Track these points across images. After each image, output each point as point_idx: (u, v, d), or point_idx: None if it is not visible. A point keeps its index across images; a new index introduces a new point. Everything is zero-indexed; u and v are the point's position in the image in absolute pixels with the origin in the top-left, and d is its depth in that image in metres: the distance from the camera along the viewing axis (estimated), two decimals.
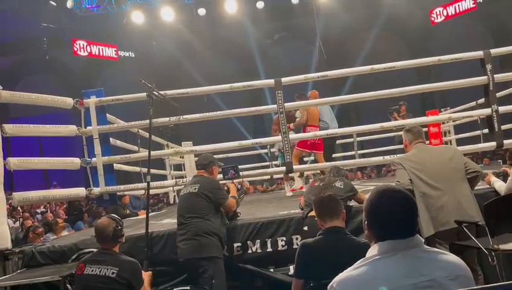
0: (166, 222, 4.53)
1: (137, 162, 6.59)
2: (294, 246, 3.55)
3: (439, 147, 3.35)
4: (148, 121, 4.09)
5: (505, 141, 4.52)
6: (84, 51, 14.33)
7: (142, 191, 7.14)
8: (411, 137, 3.24)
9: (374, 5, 14.48)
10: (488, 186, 3.53)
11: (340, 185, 3.60)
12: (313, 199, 2.73)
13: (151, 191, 6.63)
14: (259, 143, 4.93)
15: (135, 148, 6.33)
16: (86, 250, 3.62)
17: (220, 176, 3.97)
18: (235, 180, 3.94)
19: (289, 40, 15.43)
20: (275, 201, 5.61)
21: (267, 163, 8.96)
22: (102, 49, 14.76)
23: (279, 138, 4.77)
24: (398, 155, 3.30)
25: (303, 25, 14.95)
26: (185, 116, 4.53)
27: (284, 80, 4.49)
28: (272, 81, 4.51)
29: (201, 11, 14.43)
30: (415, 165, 3.00)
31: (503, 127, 4.67)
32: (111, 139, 5.04)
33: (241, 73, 14.96)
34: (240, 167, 3.99)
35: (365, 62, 12.49)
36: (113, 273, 2.84)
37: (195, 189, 3.45)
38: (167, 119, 4.48)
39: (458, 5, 14.24)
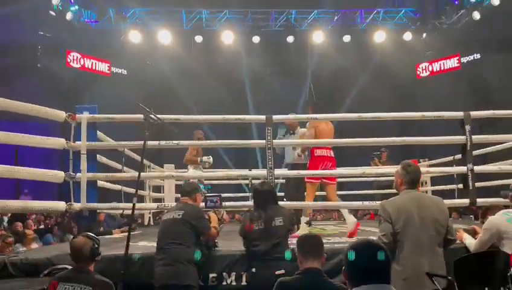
0: (143, 245, 4.50)
1: (118, 181, 6.58)
2: None
3: (429, 199, 3.12)
4: (138, 142, 4.17)
5: (478, 199, 4.74)
6: (77, 63, 14.36)
7: (120, 211, 7.08)
8: (408, 179, 3.05)
9: (365, 52, 15.09)
10: (460, 242, 3.67)
11: (280, 222, 3.52)
12: (298, 239, 2.81)
13: (129, 212, 6.59)
14: (245, 176, 5.01)
15: (118, 166, 6.33)
16: (60, 266, 3.57)
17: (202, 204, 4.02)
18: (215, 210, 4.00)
19: (281, 76, 15.83)
20: None
21: (247, 194, 9.03)
22: (95, 63, 14.83)
23: (263, 172, 4.87)
24: (388, 200, 3.13)
25: (296, 63, 15.40)
26: (176, 142, 4.60)
27: (274, 117, 4.65)
28: (263, 117, 4.66)
29: (198, 38, 14.75)
30: (402, 218, 2.92)
31: (477, 184, 4.90)
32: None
33: (231, 102, 15.20)
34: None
35: (352, 106, 12.91)
36: None
37: (179, 215, 3.49)
38: (157, 143, 4.54)
39: (443, 63, 15.02)
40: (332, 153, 5.05)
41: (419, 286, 2.82)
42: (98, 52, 14.81)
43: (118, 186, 6.78)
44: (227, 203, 4.77)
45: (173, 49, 14.76)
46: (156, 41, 14.66)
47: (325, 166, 4.99)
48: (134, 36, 14.52)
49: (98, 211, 5.71)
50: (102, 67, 15.07)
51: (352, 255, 1.64)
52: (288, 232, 3.63)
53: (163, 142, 4.56)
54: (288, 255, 3.30)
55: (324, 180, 5.06)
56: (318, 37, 14.61)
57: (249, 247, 3.61)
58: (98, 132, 4.99)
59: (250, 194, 8.62)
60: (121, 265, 3.35)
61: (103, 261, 3.48)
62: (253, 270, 3.46)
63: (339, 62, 15.07)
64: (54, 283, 2.95)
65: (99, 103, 5.57)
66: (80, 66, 14.48)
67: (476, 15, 13.41)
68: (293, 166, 5.73)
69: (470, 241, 3.50)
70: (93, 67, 14.85)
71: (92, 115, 4.55)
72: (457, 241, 3.64)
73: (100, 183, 5.43)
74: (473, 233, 3.50)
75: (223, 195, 5.91)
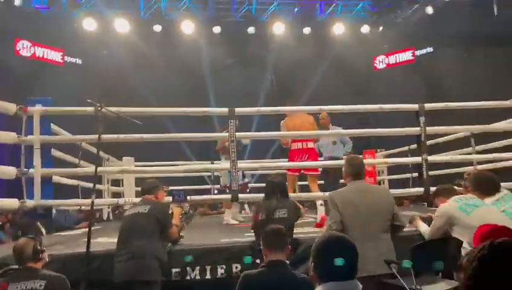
0: (103, 241, 4.38)
1: (75, 176, 6.34)
2: (233, 275, 3.60)
3: (374, 189, 3.39)
4: (93, 136, 4.00)
5: (432, 188, 4.95)
6: (27, 52, 13.56)
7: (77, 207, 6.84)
8: (350, 171, 3.26)
9: (324, 44, 15.28)
10: (415, 229, 3.83)
11: (284, 213, 3.57)
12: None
13: (88, 207, 6.38)
14: (208, 169, 4.98)
15: (74, 160, 6.10)
16: (13, 266, 3.42)
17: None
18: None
19: (241, 66, 15.73)
20: (218, 227, 5.63)
21: (209, 186, 8.92)
22: (47, 52, 14.05)
23: (227, 165, 4.86)
24: (335, 191, 3.37)
25: (256, 54, 15.35)
26: (135, 135, 4.48)
27: (237, 110, 4.63)
28: (226, 109, 4.63)
29: (157, 28, 14.33)
30: (348, 207, 3.09)
31: (431, 173, 5.14)
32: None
33: (190, 93, 14.93)
34: (181, 188, 4.00)
35: (312, 97, 13.06)
36: (40, 285, 2.80)
37: (145, 210, 3.43)
38: (115, 136, 4.40)
39: (398, 56, 15.59)
40: (310, 145, 5.06)
41: (364, 271, 2.91)
42: (50, 41, 14.06)
43: (74, 181, 6.54)
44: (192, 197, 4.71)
45: (130, 39, 14.27)
46: (112, 30, 14.11)
47: (301, 158, 5.02)
48: (89, 24, 13.87)
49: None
50: (55, 56, 14.33)
51: (321, 252, 1.65)
52: (293, 225, 3.62)
53: (121, 136, 4.42)
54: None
55: (304, 171, 5.13)
56: (278, 28, 14.64)
57: (257, 238, 3.55)
58: (53, 125, 4.77)
59: (212, 186, 8.60)
60: (82, 263, 3.25)
61: (59, 261, 3.39)
62: (257, 261, 3.44)
63: (299, 54, 15.18)
64: (3, 285, 2.88)
65: (53, 94, 5.32)
66: (30, 54, 13.68)
67: (429, 9, 13.92)
68: (330, 158, 5.83)
69: (425, 229, 3.64)
70: (45, 56, 14.08)
71: (44, 108, 4.34)
72: (413, 229, 3.82)
73: (56, 178, 5.22)
74: (430, 221, 3.64)
75: (185, 187, 5.87)
